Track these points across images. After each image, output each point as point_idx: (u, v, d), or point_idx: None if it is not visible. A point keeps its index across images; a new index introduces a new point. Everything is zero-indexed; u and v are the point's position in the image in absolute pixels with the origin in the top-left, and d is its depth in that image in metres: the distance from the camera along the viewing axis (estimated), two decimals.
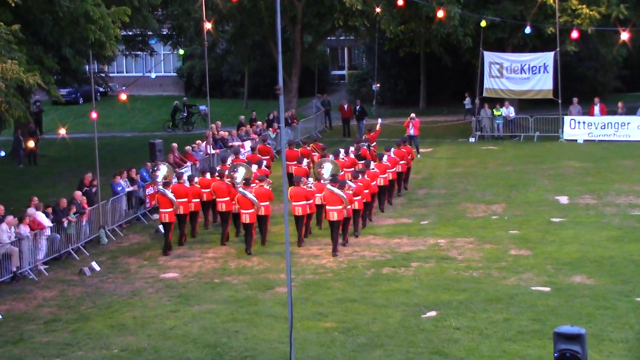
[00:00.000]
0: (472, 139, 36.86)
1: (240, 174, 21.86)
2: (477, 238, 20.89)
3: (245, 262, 19.74)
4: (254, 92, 52.24)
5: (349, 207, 20.51)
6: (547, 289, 16.95)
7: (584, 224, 21.88)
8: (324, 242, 21.00)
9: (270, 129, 33.28)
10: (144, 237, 22.95)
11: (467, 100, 43.01)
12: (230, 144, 30.21)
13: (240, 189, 21.18)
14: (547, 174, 28.49)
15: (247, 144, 29.96)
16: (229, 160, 24.63)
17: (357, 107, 39.62)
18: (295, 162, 24.93)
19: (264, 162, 25.21)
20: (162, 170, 22.97)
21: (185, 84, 56.74)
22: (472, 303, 16.19)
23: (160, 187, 21.89)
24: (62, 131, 23.10)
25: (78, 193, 22.00)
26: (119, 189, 23.70)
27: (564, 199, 24.83)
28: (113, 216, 23.19)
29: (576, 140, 35.13)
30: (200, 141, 29.32)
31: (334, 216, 20.21)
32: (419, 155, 31.74)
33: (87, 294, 18.12)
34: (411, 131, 32.38)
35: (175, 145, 28.08)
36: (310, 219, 21.83)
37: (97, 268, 19.85)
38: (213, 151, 28.56)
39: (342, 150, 25.26)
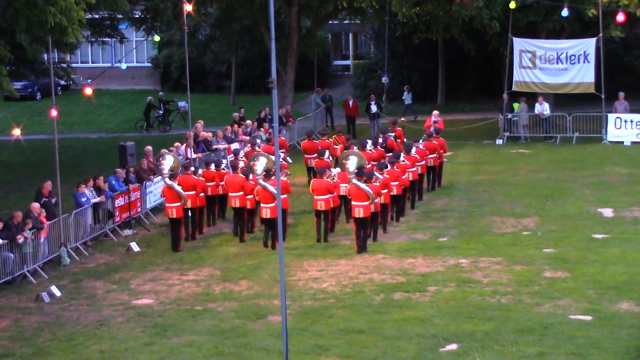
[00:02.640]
0: (499, 141, 36.90)
1: (261, 163, 22.88)
2: (505, 258, 20.91)
3: (232, 286, 19.75)
4: (242, 85, 52.32)
5: (376, 200, 21.87)
6: (588, 317, 16.94)
7: (631, 240, 21.89)
8: (329, 261, 21.08)
9: (262, 129, 33.32)
10: (113, 256, 22.96)
11: (406, 95, 43.18)
12: (214, 146, 30.27)
13: (261, 181, 22.37)
14: (588, 182, 28.52)
15: (234, 147, 29.95)
16: (242, 153, 26.60)
17: (372, 104, 39.69)
18: (315, 155, 27.43)
19: (283, 154, 27.14)
20: (169, 160, 23.80)
21: (161, 77, 56.81)
22: (500, 334, 16.18)
23: (167, 179, 23.04)
24: (16, 132, 23.10)
25: (35, 205, 22.00)
26: (84, 200, 23.71)
27: (608, 212, 24.86)
28: (76, 232, 23.20)
29: (622, 142, 35.20)
30: (179, 143, 29.33)
31: (360, 212, 21.57)
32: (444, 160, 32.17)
33: (46, 323, 18.10)
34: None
35: (149, 148, 28.10)
36: (335, 213, 23.47)
37: (58, 293, 19.83)
38: (194, 155, 28.60)
39: (369, 142, 26.98)
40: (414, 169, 25.75)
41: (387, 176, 23.26)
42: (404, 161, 24.96)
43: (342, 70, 58.01)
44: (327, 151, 27.11)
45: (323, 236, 22.86)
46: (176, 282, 20.35)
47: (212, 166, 25.01)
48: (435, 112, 33.78)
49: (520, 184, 28.77)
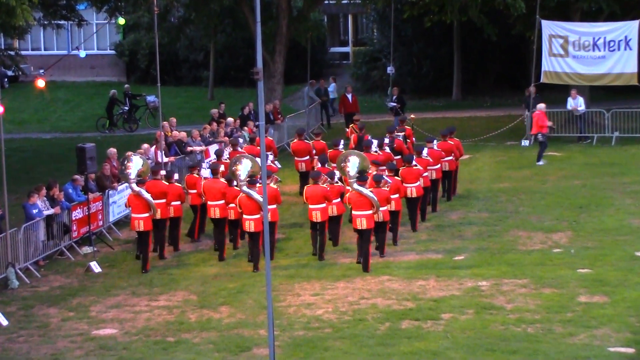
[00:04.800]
0: (525, 142, 36.90)
1: (244, 167, 22.89)
2: (532, 279, 20.93)
3: (211, 314, 19.75)
4: (222, 77, 52.32)
5: (383, 208, 22.01)
6: (630, 350, 16.97)
7: None
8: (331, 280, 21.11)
9: (245, 128, 33.33)
10: (70, 278, 22.95)
11: (332, 87, 43.46)
12: (189, 148, 30.25)
13: (244, 188, 22.42)
14: (630, 190, 28.58)
15: (213, 149, 29.99)
16: (226, 154, 26.86)
17: (394, 98, 39.82)
18: (307, 158, 28.24)
19: (271, 157, 27.31)
20: (136, 163, 23.65)
21: (126, 66, 56.82)
22: None
23: (134, 185, 22.96)
24: None
25: None
26: (35, 212, 23.69)
27: None
28: (26, 250, 23.18)
29: None
30: (147, 145, 29.33)
31: (362, 224, 21.75)
32: (541, 162, 32.72)
33: None
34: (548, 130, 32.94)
35: (113, 150, 28.07)
36: (338, 222, 23.80)
37: (4, 322, 19.82)
38: (166, 159, 28.60)
39: (375, 142, 27.05)
40: (426, 173, 25.86)
41: (398, 179, 23.46)
42: (415, 165, 25.13)
43: (340, 59, 58.01)
44: (342, 140, 27.68)
45: (318, 253, 22.95)
46: (144, 309, 20.34)
47: (202, 172, 25.11)
48: (542, 105, 33.47)
49: (550, 193, 28.81)
